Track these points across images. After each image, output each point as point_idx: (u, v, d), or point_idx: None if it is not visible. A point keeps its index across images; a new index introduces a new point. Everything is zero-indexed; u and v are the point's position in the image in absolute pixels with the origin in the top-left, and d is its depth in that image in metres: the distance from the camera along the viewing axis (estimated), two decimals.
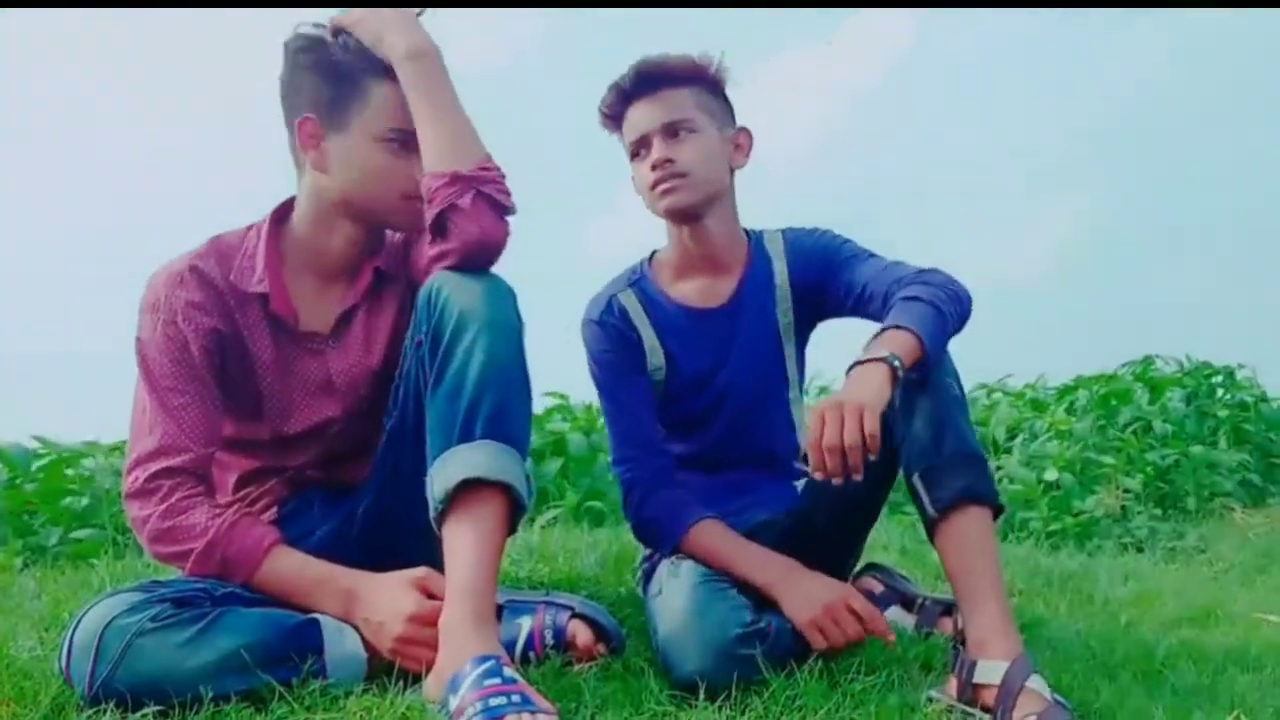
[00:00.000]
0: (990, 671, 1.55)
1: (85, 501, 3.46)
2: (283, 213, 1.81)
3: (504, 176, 1.67)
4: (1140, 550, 4.10)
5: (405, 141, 1.70)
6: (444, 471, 1.53)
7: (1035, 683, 1.52)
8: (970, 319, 1.80)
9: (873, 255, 1.96)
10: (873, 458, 1.56)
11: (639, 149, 1.96)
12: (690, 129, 1.93)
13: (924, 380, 1.71)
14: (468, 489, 1.52)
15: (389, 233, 1.87)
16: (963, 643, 1.64)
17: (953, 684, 1.59)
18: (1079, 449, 4.89)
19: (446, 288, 1.62)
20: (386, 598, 1.57)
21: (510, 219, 1.67)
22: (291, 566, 1.63)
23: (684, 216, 1.96)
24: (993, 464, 5.07)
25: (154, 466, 1.65)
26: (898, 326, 1.68)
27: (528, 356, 1.64)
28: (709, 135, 1.95)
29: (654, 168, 1.92)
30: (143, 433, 1.68)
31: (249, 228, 1.81)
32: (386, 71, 1.69)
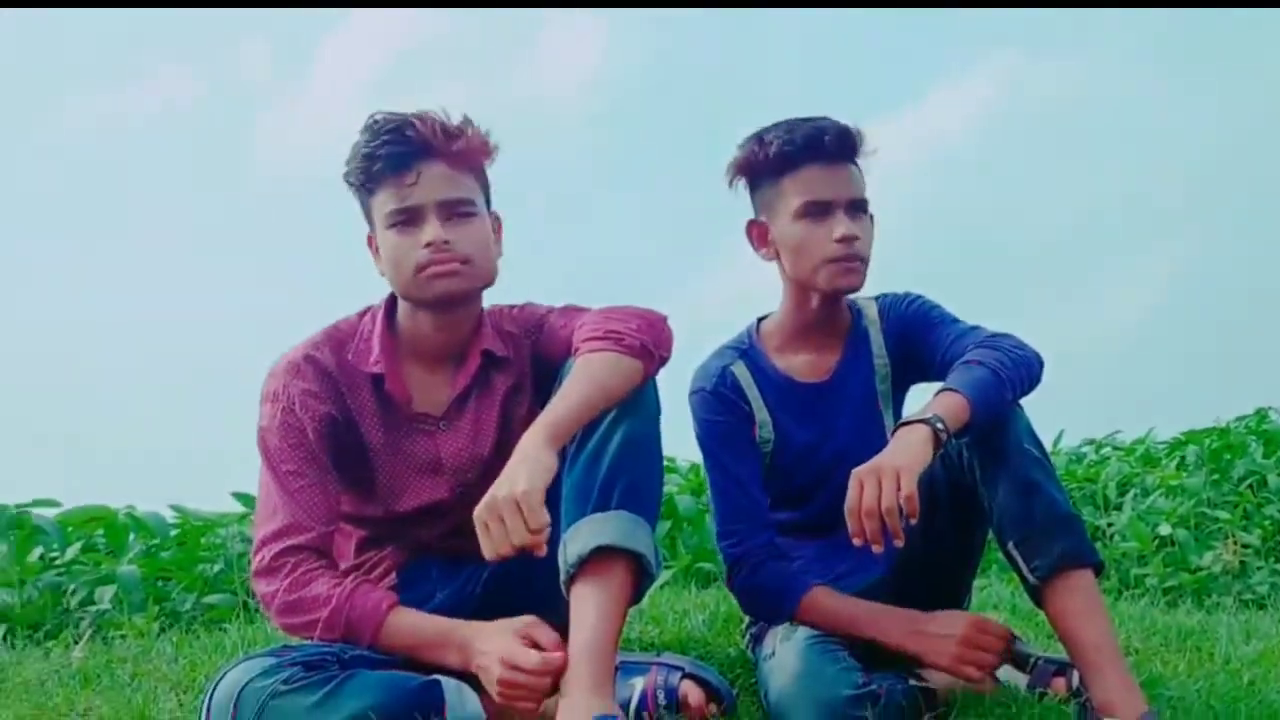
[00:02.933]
0: None
1: (218, 568, 3.61)
2: (394, 299, 1.90)
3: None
4: (1262, 607, 3.96)
5: (407, 221, 1.77)
6: (579, 537, 1.59)
7: None
8: (1039, 382, 1.81)
9: (956, 321, 1.98)
10: (912, 521, 1.59)
11: (815, 211, 1.92)
12: (867, 209, 1.96)
13: (1001, 447, 1.73)
14: (599, 556, 1.58)
15: (504, 317, 1.94)
16: (1087, 703, 1.64)
17: None
18: (1192, 504, 4.76)
19: None
20: (491, 643, 1.63)
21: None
22: (412, 624, 1.70)
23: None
24: (1103, 521, 4.96)
25: (278, 546, 1.74)
26: (948, 389, 1.71)
27: None
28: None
29: (841, 241, 1.90)
30: (267, 514, 1.78)
31: (364, 312, 1.91)
32: (374, 172, 1.77)
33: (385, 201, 1.78)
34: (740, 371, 2.04)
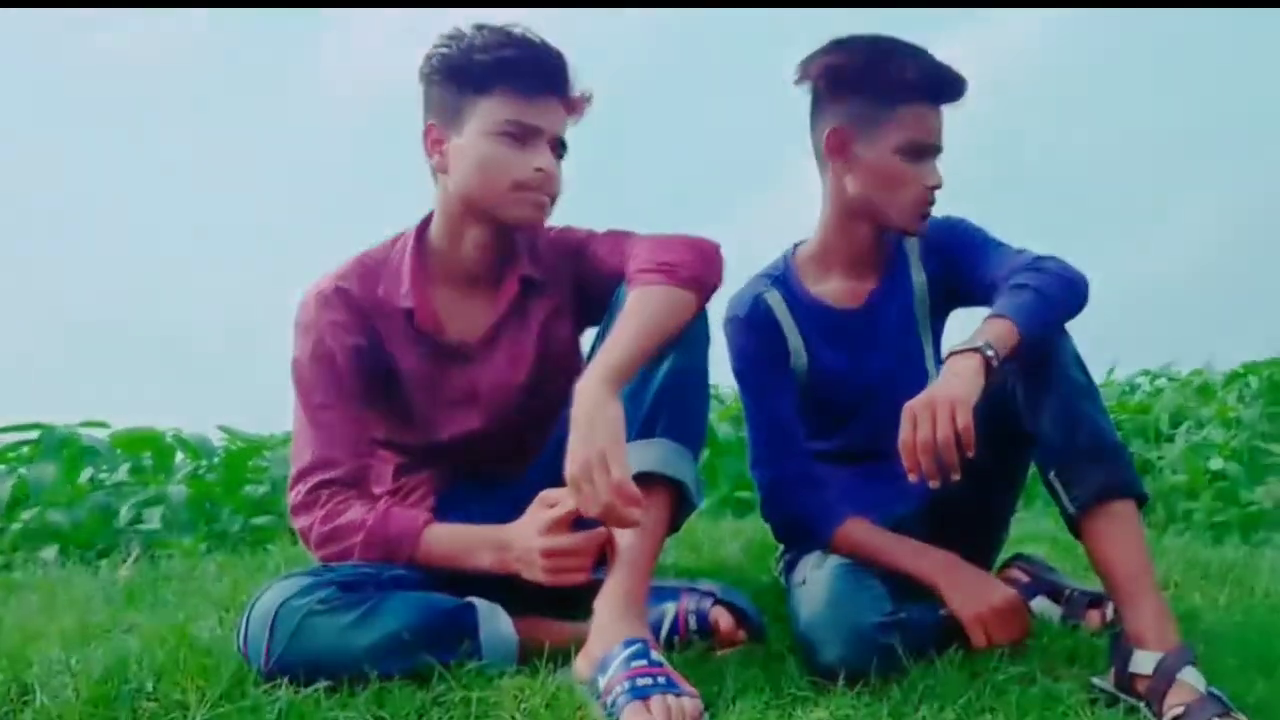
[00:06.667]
0: (1145, 662, 1.53)
1: (264, 490, 3.67)
2: (426, 224, 1.89)
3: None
4: None
5: (520, 135, 1.74)
6: None
7: (1188, 675, 1.49)
8: (1086, 303, 1.76)
9: (1000, 245, 1.93)
10: (969, 455, 1.54)
11: (918, 153, 1.88)
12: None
13: (1046, 373, 1.68)
14: (640, 482, 1.56)
15: (540, 239, 1.91)
16: (1120, 635, 1.61)
17: (1112, 673, 1.58)
18: (1247, 437, 4.66)
19: None
20: (525, 539, 1.64)
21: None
22: (447, 534, 1.72)
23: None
24: (1154, 453, 4.88)
25: (312, 480, 1.75)
26: (996, 315, 1.67)
27: None
28: None
29: (933, 187, 1.89)
30: (300, 449, 1.79)
31: (395, 240, 1.89)
32: (503, 76, 1.73)
33: (500, 109, 1.74)
34: (774, 299, 2.01)
